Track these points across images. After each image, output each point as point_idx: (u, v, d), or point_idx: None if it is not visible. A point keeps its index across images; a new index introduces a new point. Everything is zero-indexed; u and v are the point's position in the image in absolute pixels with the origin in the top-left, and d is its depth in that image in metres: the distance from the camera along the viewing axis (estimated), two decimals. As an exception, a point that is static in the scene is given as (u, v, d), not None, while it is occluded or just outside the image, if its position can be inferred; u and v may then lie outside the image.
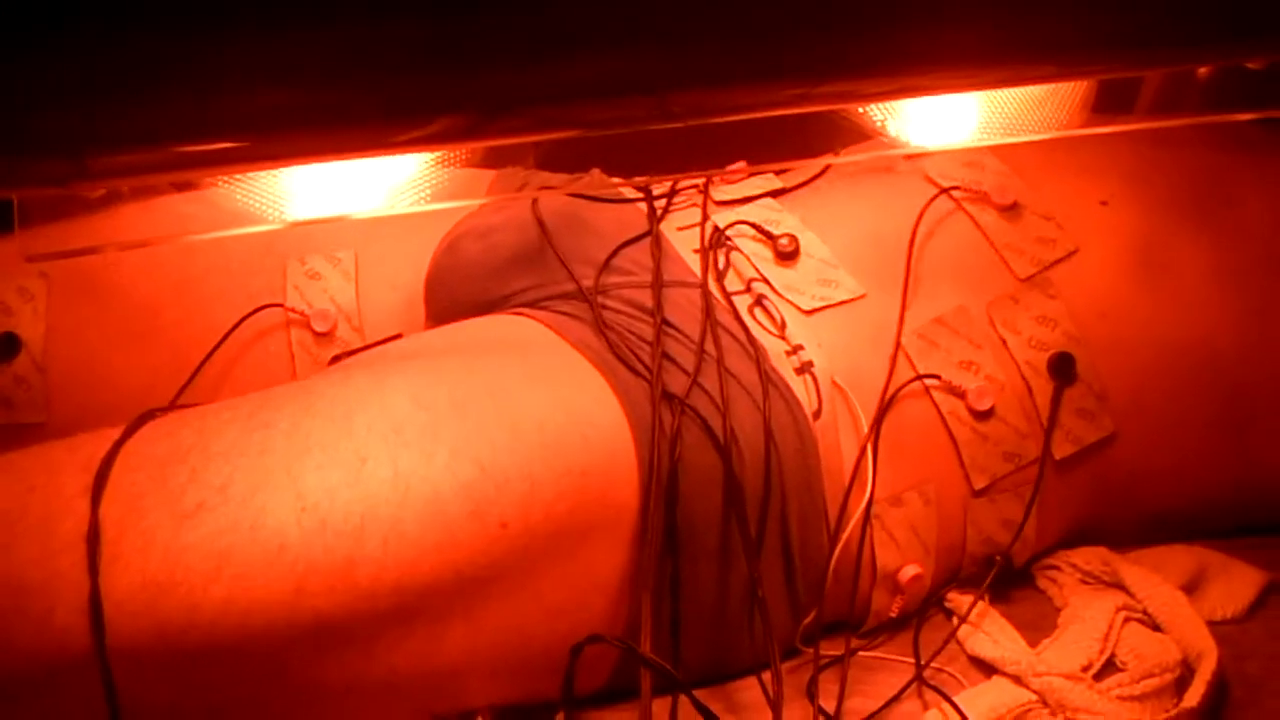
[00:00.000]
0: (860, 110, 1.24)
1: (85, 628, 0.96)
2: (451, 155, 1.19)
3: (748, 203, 1.32)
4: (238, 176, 1.12)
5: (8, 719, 1.00)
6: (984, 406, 1.20)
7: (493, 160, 1.38)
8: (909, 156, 1.34)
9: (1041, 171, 1.32)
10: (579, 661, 1.02)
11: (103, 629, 0.96)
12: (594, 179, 1.38)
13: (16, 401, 1.29)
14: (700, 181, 1.34)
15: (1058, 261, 1.26)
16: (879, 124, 1.25)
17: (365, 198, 1.09)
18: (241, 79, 0.85)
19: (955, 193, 1.28)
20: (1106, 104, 1.27)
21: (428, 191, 1.16)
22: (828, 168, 1.37)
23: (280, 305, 1.31)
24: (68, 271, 1.30)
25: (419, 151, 1.08)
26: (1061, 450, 1.23)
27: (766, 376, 1.15)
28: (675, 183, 1.35)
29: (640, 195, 1.33)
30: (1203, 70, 1.19)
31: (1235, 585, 1.24)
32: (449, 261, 1.31)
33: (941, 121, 1.24)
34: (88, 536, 0.97)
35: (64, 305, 1.30)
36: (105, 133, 0.86)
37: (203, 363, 1.27)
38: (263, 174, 1.11)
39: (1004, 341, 1.23)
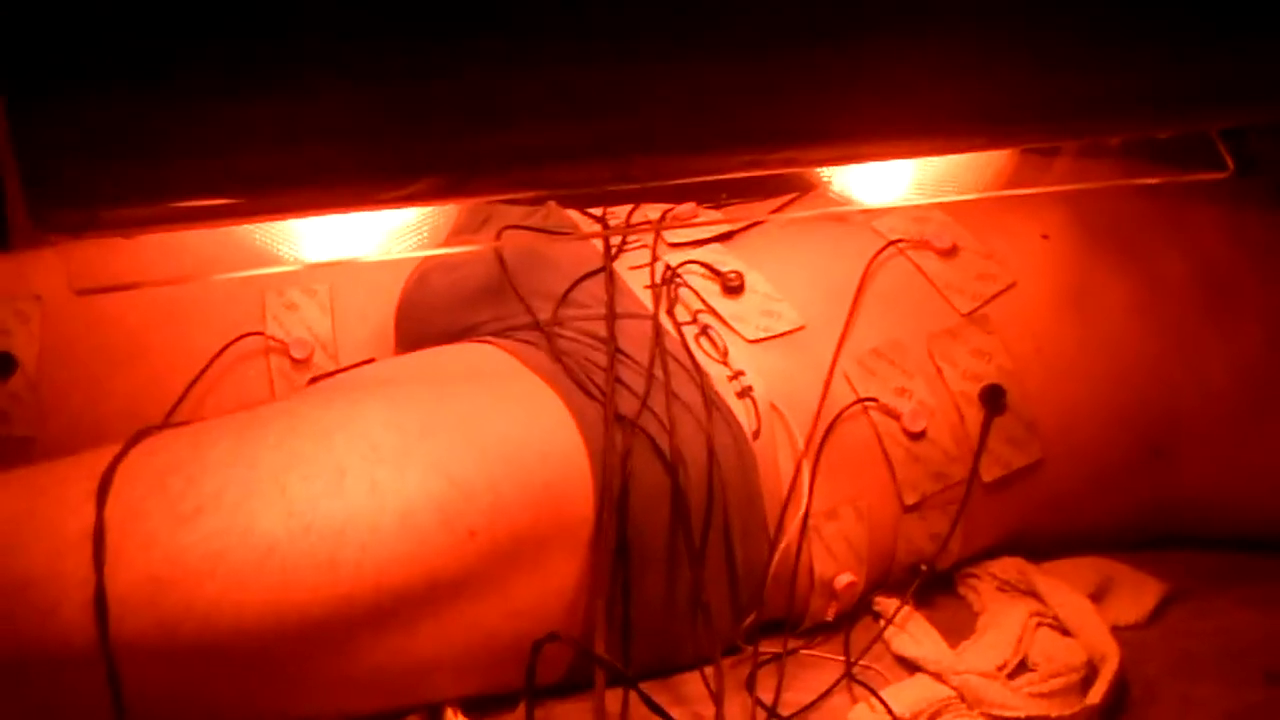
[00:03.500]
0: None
1: (90, 621, 1.02)
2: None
3: (697, 246, 1.38)
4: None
5: (18, 706, 1.06)
6: (918, 428, 1.26)
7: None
8: (854, 212, 1.40)
9: (985, 208, 1.38)
10: (538, 658, 1.08)
11: (106, 622, 1.01)
12: (550, 211, 1.45)
13: (12, 416, 1.34)
14: (652, 216, 1.41)
15: (997, 294, 1.33)
16: (825, 179, 1.32)
17: (357, 240, 1.14)
18: (240, 142, 0.89)
19: (900, 244, 1.35)
20: (1037, 151, 1.35)
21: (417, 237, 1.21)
22: (775, 211, 1.44)
23: (260, 334, 1.36)
24: (61, 296, 1.35)
25: (402, 207, 1.14)
26: (990, 473, 1.30)
27: (710, 400, 1.21)
28: (630, 216, 1.42)
29: (596, 231, 1.39)
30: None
31: (1138, 595, 1.31)
32: (419, 293, 1.38)
33: (882, 178, 1.29)
34: (93, 537, 1.03)
35: (57, 328, 1.35)
36: (115, 186, 0.90)
37: (190, 385, 1.32)
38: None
39: (940, 372, 1.29)
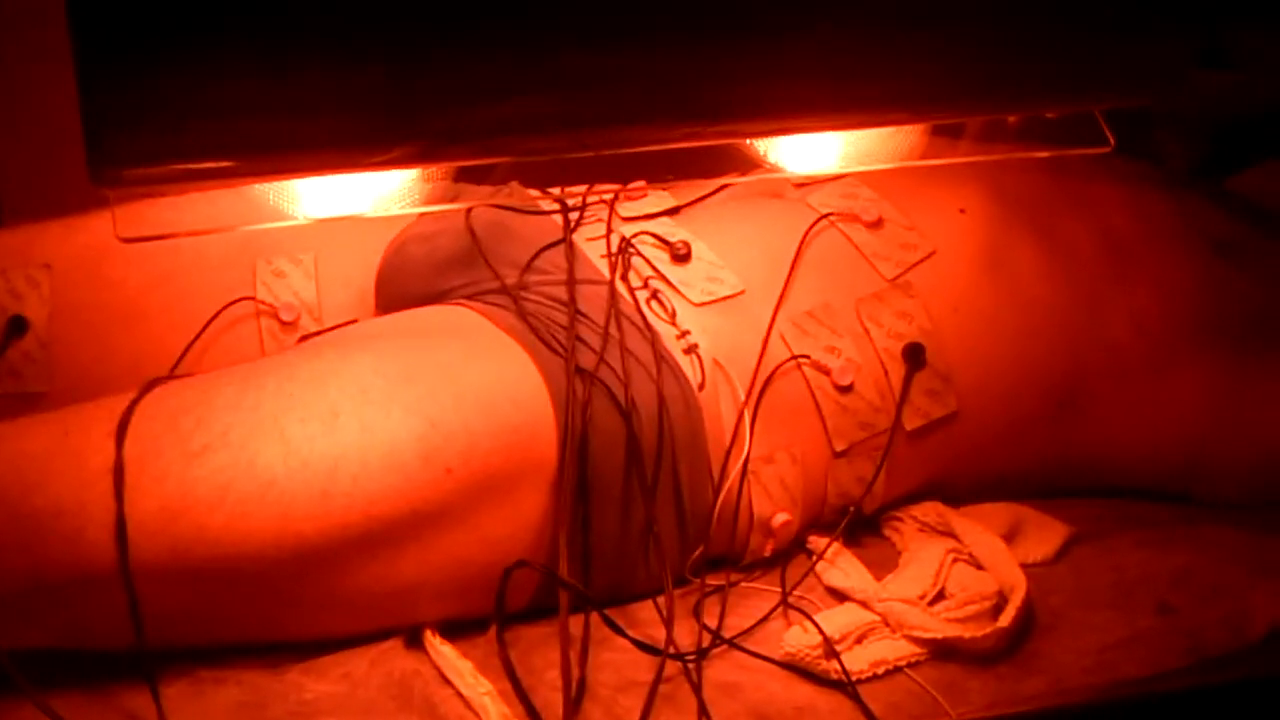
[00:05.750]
0: (746, 143, 1.37)
1: (111, 546, 1.12)
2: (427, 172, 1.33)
3: (647, 219, 1.49)
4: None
5: (46, 625, 1.17)
6: (846, 382, 1.38)
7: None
8: (789, 189, 1.52)
9: (909, 184, 1.50)
10: (507, 584, 1.20)
11: (126, 547, 1.12)
12: (513, 190, 1.55)
13: (25, 373, 1.44)
14: (606, 194, 1.51)
15: (918, 262, 1.45)
16: (762, 154, 1.39)
17: (350, 201, 1.24)
18: (257, 112, 1.03)
19: (831, 217, 1.47)
20: (945, 130, 1.46)
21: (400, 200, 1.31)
22: (718, 189, 1.55)
23: (251, 298, 1.46)
24: (68, 263, 1.46)
25: (386, 169, 1.22)
26: (911, 423, 1.41)
27: (659, 356, 1.33)
28: (585, 195, 1.52)
29: (556, 208, 1.49)
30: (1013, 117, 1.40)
31: (1045, 535, 1.42)
32: (397, 261, 1.49)
33: (812, 151, 1.37)
34: (114, 470, 1.14)
35: (65, 293, 1.45)
36: (158, 149, 1.03)
37: (190, 343, 1.42)
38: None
39: (867, 331, 1.40)
